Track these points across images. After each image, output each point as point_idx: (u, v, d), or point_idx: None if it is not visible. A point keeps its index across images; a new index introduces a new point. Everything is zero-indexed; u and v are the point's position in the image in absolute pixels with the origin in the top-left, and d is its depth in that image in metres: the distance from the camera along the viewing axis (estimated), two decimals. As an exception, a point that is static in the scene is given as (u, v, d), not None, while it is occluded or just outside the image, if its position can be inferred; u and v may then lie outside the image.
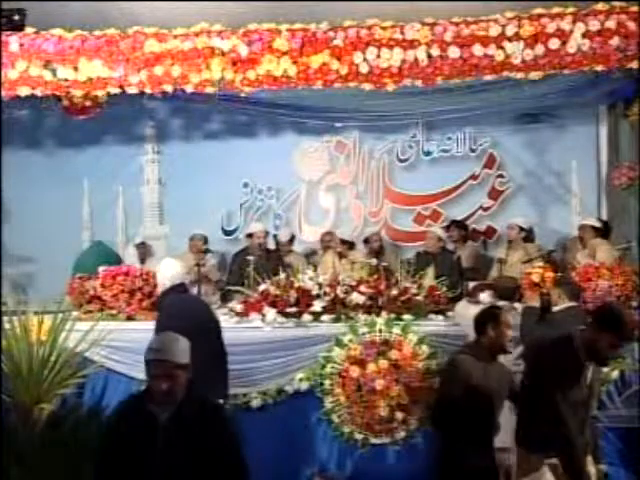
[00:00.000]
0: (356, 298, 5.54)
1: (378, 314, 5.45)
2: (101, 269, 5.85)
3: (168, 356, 2.95)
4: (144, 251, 7.60)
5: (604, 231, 6.70)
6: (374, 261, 6.21)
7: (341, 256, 7.02)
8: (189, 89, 5.91)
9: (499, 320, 3.88)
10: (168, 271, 4.75)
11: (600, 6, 5.64)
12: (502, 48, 5.65)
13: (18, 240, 7.44)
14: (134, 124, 7.97)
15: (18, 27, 5.86)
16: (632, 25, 5.54)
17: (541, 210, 7.63)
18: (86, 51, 5.84)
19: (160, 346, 3.02)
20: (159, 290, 4.85)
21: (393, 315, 5.44)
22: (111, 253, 7.33)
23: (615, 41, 5.56)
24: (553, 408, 3.52)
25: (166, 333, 3.17)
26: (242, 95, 6.13)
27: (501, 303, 4.93)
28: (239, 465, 3.02)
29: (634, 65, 5.64)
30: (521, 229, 6.83)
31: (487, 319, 3.91)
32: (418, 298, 5.58)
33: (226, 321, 5.63)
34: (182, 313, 4.43)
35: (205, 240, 7.27)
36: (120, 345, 5.30)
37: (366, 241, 7.25)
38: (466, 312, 5.04)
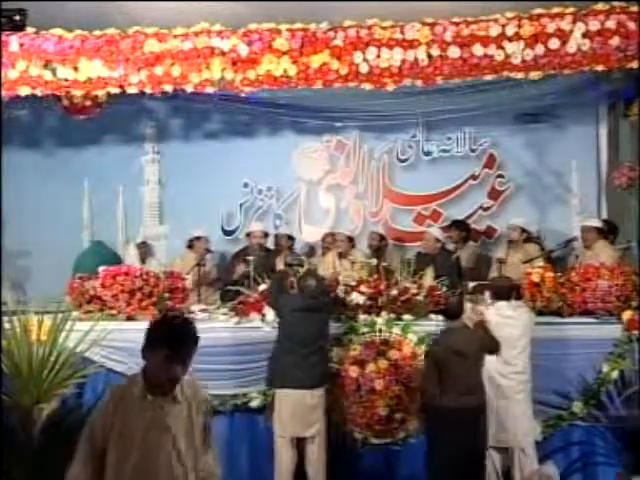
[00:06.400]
0: (356, 298, 5.53)
1: (378, 314, 5.45)
2: (101, 269, 5.84)
3: None
4: (144, 251, 7.60)
5: (606, 231, 6.66)
6: (374, 261, 6.21)
7: (341, 256, 7.02)
8: (189, 89, 5.90)
9: None
10: None
11: (600, 6, 5.62)
12: (502, 48, 5.62)
13: (18, 240, 7.44)
14: (134, 124, 7.97)
15: (19, 27, 5.84)
16: (632, 25, 5.51)
17: (541, 210, 7.61)
18: (86, 51, 5.83)
19: None
20: None
21: (393, 315, 5.44)
22: (111, 253, 7.31)
23: (615, 41, 5.54)
24: None
25: None
26: (242, 95, 6.13)
27: (499, 303, 4.95)
28: None
29: (634, 65, 5.62)
30: (523, 230, 6.81)
31: None
32: (418, 298, 5.57)
33: (226, 321, 5.65)
34: None
35: (206, 240, 7.27)
36: (120, 345, 5.30)
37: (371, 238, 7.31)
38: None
